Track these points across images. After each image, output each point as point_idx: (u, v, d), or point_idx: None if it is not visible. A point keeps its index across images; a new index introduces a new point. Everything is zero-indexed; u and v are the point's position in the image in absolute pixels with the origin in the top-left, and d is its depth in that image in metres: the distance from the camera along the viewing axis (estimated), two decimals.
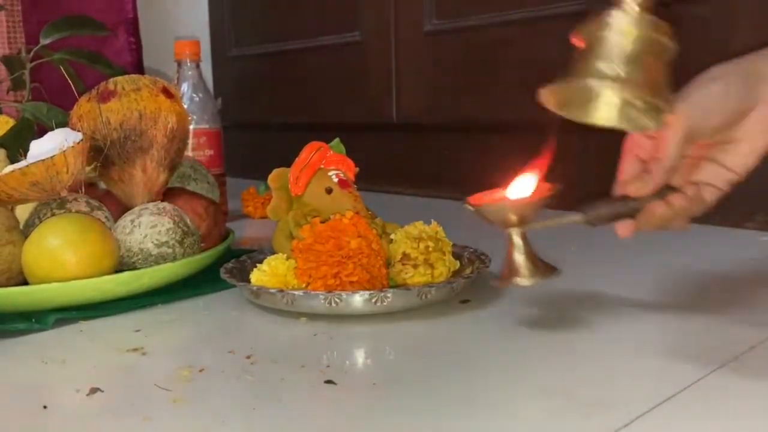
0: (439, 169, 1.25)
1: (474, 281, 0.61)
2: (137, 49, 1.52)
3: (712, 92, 0.45)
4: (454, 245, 0.64)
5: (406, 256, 0.61)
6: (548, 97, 0.44)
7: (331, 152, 0.66)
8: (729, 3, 0.85)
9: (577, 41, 0.43)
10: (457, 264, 0.65)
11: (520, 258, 0.48)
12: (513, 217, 0.47)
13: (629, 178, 0.48)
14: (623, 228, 0.49)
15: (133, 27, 1.50)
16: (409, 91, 1.26)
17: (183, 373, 0.46)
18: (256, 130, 1.60)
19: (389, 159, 1.28)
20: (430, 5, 1.20)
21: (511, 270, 0.49)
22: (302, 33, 1.45)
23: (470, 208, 0.49)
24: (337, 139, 0.68)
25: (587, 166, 0.83)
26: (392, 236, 0.63)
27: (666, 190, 0.46)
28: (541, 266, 0.49)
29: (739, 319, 0.54)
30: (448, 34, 1.19)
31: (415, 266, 0.61)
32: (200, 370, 0.47)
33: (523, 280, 0.48)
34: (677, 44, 0.42)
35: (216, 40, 1.67)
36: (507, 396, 0.42)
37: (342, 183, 0.64)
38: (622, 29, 0.40)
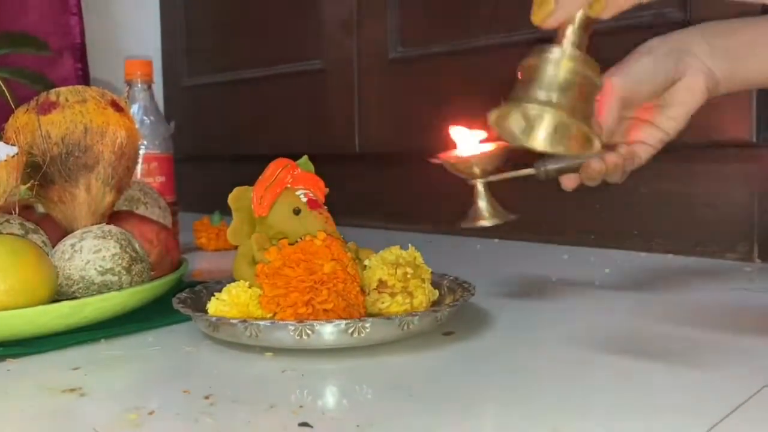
0: (404, 201, 1.20)
1: (457, 312, 0.56)
2: (84, 76, 1.44)
3: (644, 64, 0.51)
4: (432, 273, 0.59)
5: (382, 283, 0.55)
6: (494, 120, 0.48)
7: (299, 170, 0.60)
8: (704, 10, 0.83)
9: (520, 72, 0.46)
10: (437, 293, 0.59)
11: (482, 204, 0.54)
12: (477, 170, 0.54)
13: None
14: (568, 181, 0.55)
15: (80, 53, 1.43)
16: (372, 121, 1.22)
17: (129, 416, 0.39)
18: (210, 163, 1.53)
19: (352, 191, 1.23)
20: (395, 32, 1.16)
21: (475, 214, 0.55)
22: (260, 61, 1.40)
23: (439, 161, 0.54)
24: (305, 157, 0.62)
25: None
26: (366, 262, 0.57)
27: (604, 148, 0.49)
28: (501, 211, 0.55)
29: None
30: (414, 62, 1.15)
31: (392, 294, 0.55)
32: (150, 413, 0.40)
33: (485, 222, 0.54)
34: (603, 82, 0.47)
35: (168, 69, 1.61)
36: None
37: (311, 203, 0.58)
38: (558, 62, 0.45)
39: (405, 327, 0.50)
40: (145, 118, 0.94)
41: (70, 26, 1.43)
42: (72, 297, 0.56)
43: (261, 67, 1.40)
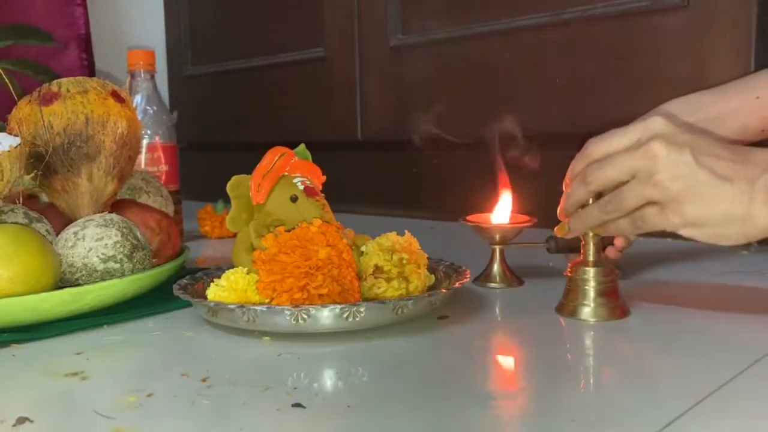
0: (404, 188, 1.20)
1: (452, 296, 0.57)
2: (89, 66, 1.45)
3: None
4: (428, 258, 0.60)
5: (378, 269, 0.56)
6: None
7: (296, 158, 0.61)
8: (704, 13, 0.83)
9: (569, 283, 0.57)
10: (433, 278, 0.60)
11: (496, 267, 0.68)
12: (497, 237, 0.67)
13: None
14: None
15: (85, 43, 1.44)
16: (374, 109, 1.22)
17: (128, 399, 0.40)
18: (213, 152, 1.54)
19: (354, 178, 1.24)
20: (395, 20, 1.17)
21: (488, 275, 0.68)
22: (263, 50, 1.41)
23: (467, 223, 0.68)
24: (302, 145, 0.62)
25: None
26: (363, 248, 0.58)
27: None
28: (510, 277, 0.68)
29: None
30: (414, 49, 1.15)
31: (388, 280, 0.56)
32: (148, 396, 0.41)
33: (494, 284, 0.67)
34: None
35: (172, 58, 1.62)
36: (494, 419, 0.38)
37: (308, 191, 0.59)
38: (593, 279, 0.55)
39: (399, 311, 0.51)
40: (148, 108, 0.95)
41: (75, 17, 1.44)
42: (75, 284, 0.57)
43: (263, 55, 1.40)
